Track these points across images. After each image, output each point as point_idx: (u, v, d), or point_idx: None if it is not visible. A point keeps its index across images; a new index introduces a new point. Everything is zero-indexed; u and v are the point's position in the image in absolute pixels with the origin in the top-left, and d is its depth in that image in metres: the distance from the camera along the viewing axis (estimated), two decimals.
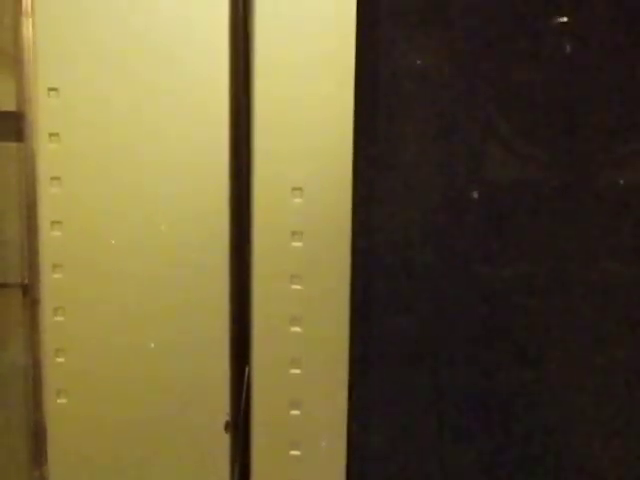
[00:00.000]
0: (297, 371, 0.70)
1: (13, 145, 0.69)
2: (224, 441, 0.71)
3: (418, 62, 0.67)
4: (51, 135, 0.68)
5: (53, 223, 0.69)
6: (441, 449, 0.73)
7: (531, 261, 0.69)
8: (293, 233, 0.68)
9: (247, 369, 0.72)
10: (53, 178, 0.68)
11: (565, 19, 0.68)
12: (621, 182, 0.67)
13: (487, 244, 0.69)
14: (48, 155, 0.68)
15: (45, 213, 0.69)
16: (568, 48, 0.69)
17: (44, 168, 0.68)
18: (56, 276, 0.69)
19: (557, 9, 0.68)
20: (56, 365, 0.70)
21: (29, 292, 0.71)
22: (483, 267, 0.69)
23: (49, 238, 0.69)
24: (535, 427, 0.71)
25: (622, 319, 0.68)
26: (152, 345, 0.70)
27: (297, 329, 0.69)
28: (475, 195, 0.67)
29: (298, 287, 0.69)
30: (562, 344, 0.69)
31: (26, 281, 0.71)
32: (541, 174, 0.68)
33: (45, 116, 0.68)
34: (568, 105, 0.68)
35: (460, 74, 0.68)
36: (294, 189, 0.68)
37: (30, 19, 0.66)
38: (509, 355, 0.70)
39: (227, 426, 0.71)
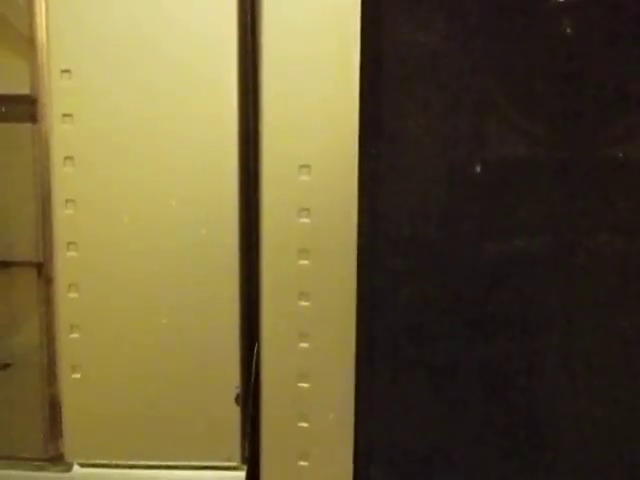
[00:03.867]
0: (305, 345, 0.72)
1: (28, 126, 0.71)
2: (235, 413, 0.73)
3: (421, 40, 0.69)
4: (64, 116, 0.69)
5: (67, 202, 0.70)
6: (447, 423, 0.74)
7: (533, 236, 0.70)
8: (300, 209, 0.70)
9: (257, 345, 0.74)
10: (67, 158, 0.70)
11: None
12: (621, 155, 0.68)
13: (490, 219, 0.70)
14: (61, 136, 0.70)
15: (59, 192, 0.71)
16: (569, 26, 0.70)
17: (58, 148, 0.70)
18: (70, 254, 0.71)
19: None
20: (70, 341, 0.72)
21: (44, 270, 0.73)
22: (486, 242, 0.70)
23: (63, 217, 0.71)
24: (539, 402, 0.72)
25: (622, 292, 0.70)
26: (164, 321, 0.72)
27: (305, 303, 0.71)
28: (478, 169, 0.68)
29: (306, 262, 0.71)
30: (564, 317, 0.70)
31: (41, 259, 0.73)
32: (542, 149, 0.70)
33: (58, 98, 0.70)
34: (568, 82, 0.70)
35: (460, 52, 0.70)
36: (302, 166, 0.69)
37: (44, 0, 0.68)
38: (513, 329, 0.71)
39: (237, 398, 0.72)
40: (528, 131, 0.70)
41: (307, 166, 0.69)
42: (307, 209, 0.70)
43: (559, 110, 0.70)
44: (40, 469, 0.76)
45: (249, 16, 0.71)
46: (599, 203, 0.70)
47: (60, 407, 0.73)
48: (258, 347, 0.74)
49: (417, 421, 0.74)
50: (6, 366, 0.76)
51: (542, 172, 0.70)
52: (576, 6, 0.70)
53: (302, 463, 0.74)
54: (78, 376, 0.73)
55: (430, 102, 0.70)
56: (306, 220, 0.70)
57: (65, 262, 0.71)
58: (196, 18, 0.68)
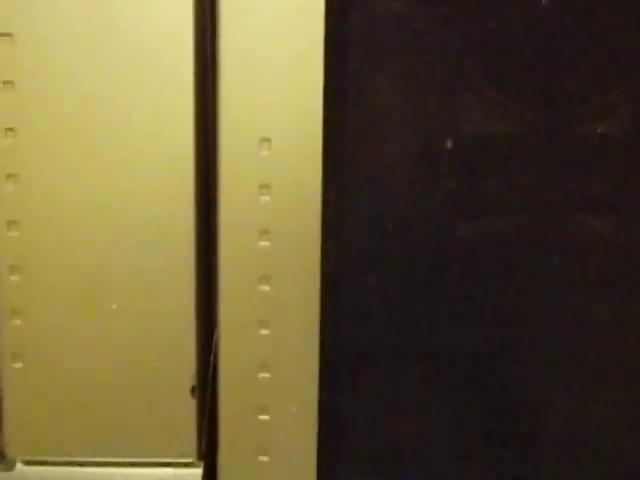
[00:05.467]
0: (266, 332, 0.67)
1: None
2: (190, 406, 0.68)
3: (390, 8, 0.65)
4: (5, 83, 0.64)
5: (7, 176, 0.65)
6: (418, 414, 0.71)
7: (507, 214, 0.67)
8: (261, 186, 0.65)
9: (215, 332, 0.70)
10: (8, 129, 0.65)
11: None
12: (599, 132, 0.65)
13: (461, 197, 0.67)
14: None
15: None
16: None
17: None
18: (11, 233, 0.66)
19: None
20: (12, 328, 0.67)
21: None
22: (458, 221, 0.67)
23: (3, 193, 0.65)
24: (520, 386, 0.69)
25: (600, 273, 0.67)
26: (114, 306, 0.67)
27: (266, 288, 0.67)
28: (449, 145, 0.65)
29: (266, 244, 0.66)
30: (541, 298, 0.67)
31: None
32: (517, 125, 0.66)
33: None
34: (545, 56, 0.67)
35: (433, 22, 0.66)
36: (262, 140, 0.65)
37: None
38: (488, 312, 0.68)
39: (193, 390, 0.68)
40: (502, 106, 0.67)
41: (267, 140, 0.65)
42: (268, 186, 0.66)
43: (535, 85, 0.67)
44: None
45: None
46: (575, 182, 0.67)
47: (0, 399, 0.68)
48: (216, 335, 0.69)
49: (387, 412, 0.71)
50: None
51: (517, 148, 0.66)
52: None
53: (262, 458, 0.69)
54: (20, 365, 0.67)
55: (399, 74, 0.67)
56: (266, 198, 0.66)
57: (6, 242, 0.66)
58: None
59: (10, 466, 0.70)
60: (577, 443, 0.70)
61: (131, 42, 0.64)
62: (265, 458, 0.69)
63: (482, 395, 0.69)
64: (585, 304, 0.67)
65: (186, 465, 0.70)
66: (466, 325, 0.68)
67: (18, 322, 0.67)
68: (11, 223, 0.66)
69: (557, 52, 0.67)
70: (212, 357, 0.71)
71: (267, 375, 0.68)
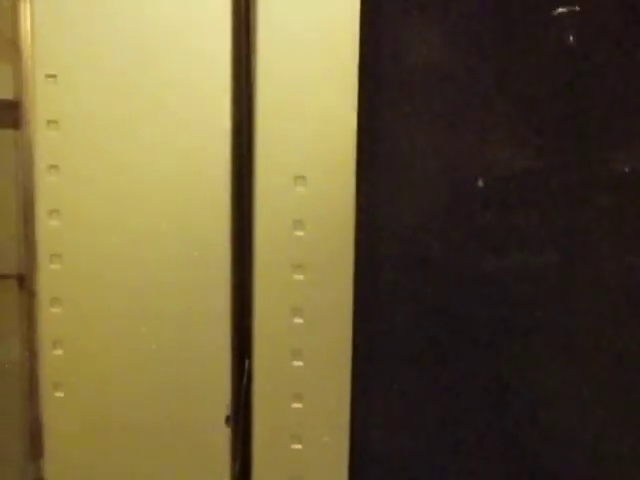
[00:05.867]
0: (299, 363, 0.69)
1: (10, 132, 0.68)
2: (225, 435, 0.70)
3: (421, 51, 0.66)
4: (49, 122, 0.66)
5: (51, 212, 0.67)
6: (444, 442, 0.72)
7: (535, 252, 0.68)
8: (295, 222, 0.67)
9: (247, 362, 0.71)
10: (51, 166, 0.67)
11: (568, 9, 0.68)
12: (626, 170, 0.66)
13: (491, 234, 0.68)
14: (46, 143, 0.67)
15: (43, 202, 0.67)
16: (571, 37, 0.68)
17: (42, 156, 0.67)
18: (53, 266, 0.68)
19: None
20: (53, 358, 0.69)
21: (26, 283, 0.70)
22: (487, 258, 0.68)
23: (46, 228, 0.68)
24: (540, 419, 0.70)
25: (626, 312, 0.68)
26: (151, 338, 0.69)
27: (299, 320, 0.68)
28: (480, 184, 0.66)
29: (300, 277, 0.68)
30: (566, 337, 0.68)
31: (23, 272, 0.70)
32: (546, 162, 0.68)
33: (43, 103, 0.67)
34: (573, 93, 0.68)
35: (463, 63, 0.68)
36: (297, 177, 0.67)
37: (28, 3, 0.65)
38: (513, 347, 0.69)
39: (228, 420, 0.69)
40: (532, 144, 0.68)
41: (302, 177, 0.67)
42: (302, 221, 0.67)
43: (565, 123, 0.68)
44: None
45: (243, 24, 0.69)
46: (602, 218, 0.67)
47: (41, 427, 0.70)
48: (249, 364, 0.71)
49: (419, 441, 0.72)
50: None
51: (546, 185, 0.67)
52: (579, 15, 0.68)
53: None
54: (61, 395, 0.69)
55: (431, 114, 0.68)
56: (301, 233, 0.67)
57: (48, 275, 0.68)
58: (187, 24, 0.66)
59: None
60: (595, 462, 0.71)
61: (170, 78, 0.66)
62: None
63: (510, 422, 0.70)
64: (612, 338, 0.68)
65: None
66: (495, 358, 0.69)
67: (59, 352, 0.69)
68: (54, 256, 0.68)
69: (584, 92, 0.68)
70: (244, 385, 0.72)
71: (300, 405, 0.69)
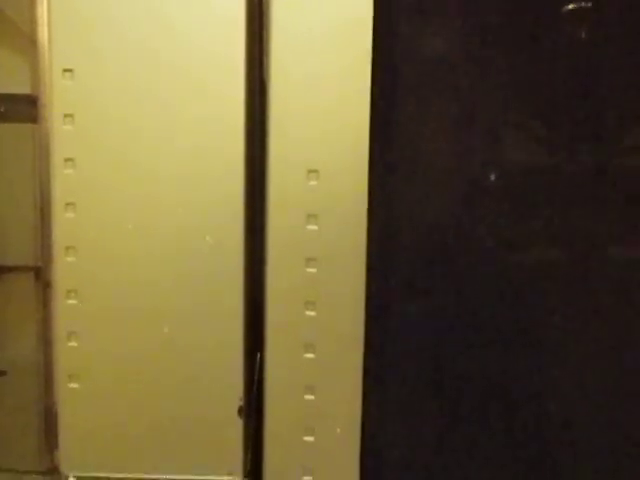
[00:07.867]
0: (311, 356, 0.69)
1: (28, 126, 0.69)
2: (237, 426, 0.70)
3: (435, 47, 0.67)
4: (66, 116, 0.67)
5: (67, 205, 0.68)
6: (455, 433, 0.72)
7: (547, 246, 0.68)
8: (308, 216, 0.68)
9: (258, 355, 0.72)
10: (67, 159, 0.68)
11: (581, 5, 0.68)
12: None
13: (505, 228, 0.68)
14: (62, 137, 0.68)
15: (59, 195, 0.68)
16: (584, 33, 0.68)
17: (58, 150, 0.68)
18: (69, 259, 0.69)
19: None
20: (68, 349, 0.70)
21: (42, 275, 0.71)
22: (501, 251, 0.68)
23: (63, 220, 0.69)
24: (551, 414, 0.70)
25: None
26: (166, 330, 0.70)
27: (311, 313, 0.69)
28: (492, 178, 0.66)
29: (313, 270, 0.68)
30: (581, 330, 0.68)
31: (39, 264, 0.71)
32: (559, 158, 0.68)
33: (60, 98, 0.67)
34: (585, 89, 0.68)
35: (476, 59, 0.68)
36: (310, 171, 0.67)
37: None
38: (526, 342, 0.69)
39: (240, 411, 0.70)
40: (544, 139, 0.68)
41: (315, 171, 0.67)
42: (315, 215, 0.68)
43: (579, 120, 0.68)
44: None
45: (257, 21, 0.69)
46: (616, 213, 0.68)
47: (56, 417, 0.71)
48: (261, 357, 0.71)
49: (429, 436, 0.72)
50: (0, 374, 0.74)
51: (559, 180, 0.68)
52: (591, 12, 0.68)
53: (306, 478, 0.71)
54: (76, 386, 0.70)
55: (444, 109, 0.68)
56: (314, 227, 0.68)
57: (64, 267, 0.69)
58: (201, 20, 0.66)
59: None
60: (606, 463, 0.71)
61: (185, 73, 0.67)
62: (309, 478, 0.71)
63: (521, 422, 0.70)
64: (626, 333, 0.68)
65: None
66: (507, 356, 0.69)
67: (74, 344, 0.70)
68: (70, 248, 0.69)
69: (597, 87, 0.68)
70: (256, 377, 0.73)
71: (312, 397, 0.70)
